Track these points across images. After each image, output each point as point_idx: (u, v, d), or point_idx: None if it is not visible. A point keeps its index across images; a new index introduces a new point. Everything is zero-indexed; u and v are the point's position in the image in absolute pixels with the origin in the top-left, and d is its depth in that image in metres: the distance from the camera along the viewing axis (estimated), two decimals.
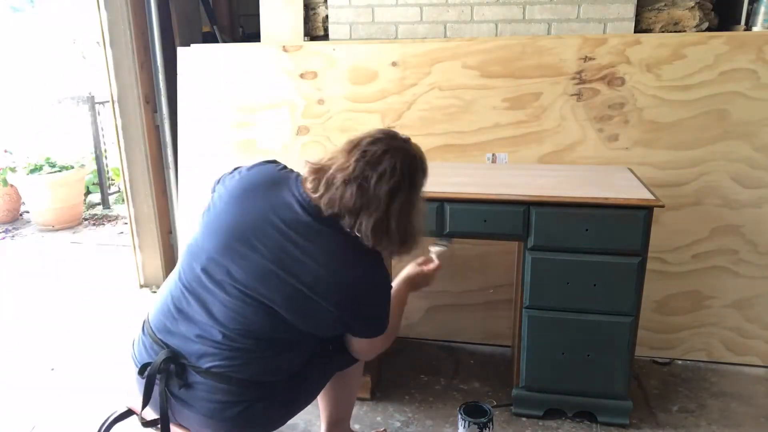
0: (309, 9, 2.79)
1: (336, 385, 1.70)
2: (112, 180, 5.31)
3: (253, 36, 3.14)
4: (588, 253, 1.86)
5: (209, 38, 3.37)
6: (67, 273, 3.60)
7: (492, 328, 2.57)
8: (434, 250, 1.78)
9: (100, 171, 5.08)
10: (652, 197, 1.80)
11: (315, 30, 2.81)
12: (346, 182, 1.29)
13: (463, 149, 2.49)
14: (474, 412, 1.79)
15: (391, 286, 1.48)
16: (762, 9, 2.46)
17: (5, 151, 4.86)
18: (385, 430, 2.05)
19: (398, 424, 2.07)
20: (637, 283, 1.85)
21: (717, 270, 2.37)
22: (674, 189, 2.34)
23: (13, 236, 4.46)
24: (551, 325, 1.95)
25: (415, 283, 1.67)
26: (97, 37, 2.82)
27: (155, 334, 1.41)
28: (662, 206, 1.77)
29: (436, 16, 2.62)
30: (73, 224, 4.65)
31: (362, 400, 2.18)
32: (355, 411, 2.12)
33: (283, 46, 2.61)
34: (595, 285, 1.87)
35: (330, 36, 2.75)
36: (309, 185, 1.36)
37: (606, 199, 1.80)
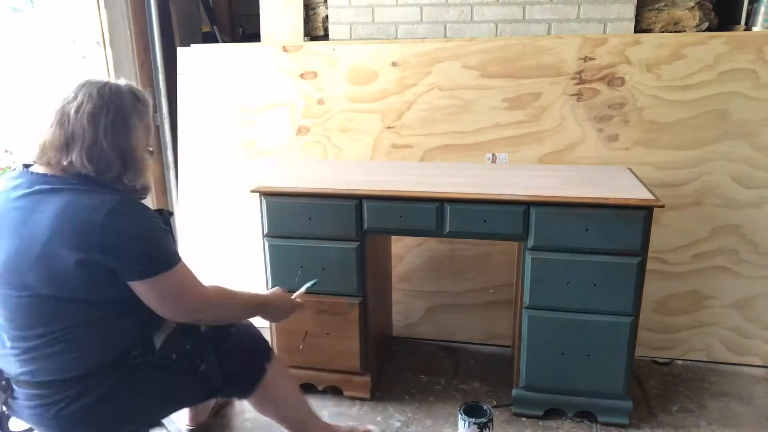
0: (309, 9, 2.79)
1: (262, 398, 1.67)
2: None
3: (253, 36, 3.14)
4: (588, 253, 1.86)
5: (209, 38, 3.37)
6: None
7: (492, 328, 2.57)
8: (300, 291, 1.82)
9: None
10: (652, 197, 1.80)
11: (315, 30, 2.81)
12: (48, 128, 1.32)
13: (463, 149, 2.49)
14: (474, 412, 1.80)
15: (144, 218, 1.38)
16: (762, 9, 2.46)
17: (5, 151, 4.86)
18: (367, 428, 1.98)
19: (398, 424, 2.07)
20: (637, 283, 1.85)
21: (717, 270, 2.37)
22: (674, 189, 2.34)
23: None
24: (551, 325, 1.95)
25: (273, 304, 1.67)
26: (97, 37, 2.82)
27: None
28: (662, 206, 1.77)
29: (436, 16, 2.62)
30: None
31: (362, 400, 2.18)
32: (355, 411, 2.13)
33: (283, 46, 2.61)
34: (595, 285, 1.87)
35: (330, 36, 2.75)
36: (34, 161, 1.38)
37: (606, 199, 1.80)
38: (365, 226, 1.98)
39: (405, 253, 2.59)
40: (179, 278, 1.40)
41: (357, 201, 1.95)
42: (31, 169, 1.39)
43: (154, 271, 1.35)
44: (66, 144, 1.32)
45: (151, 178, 1.50)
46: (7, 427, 1.47)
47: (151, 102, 1.49)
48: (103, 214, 1.30)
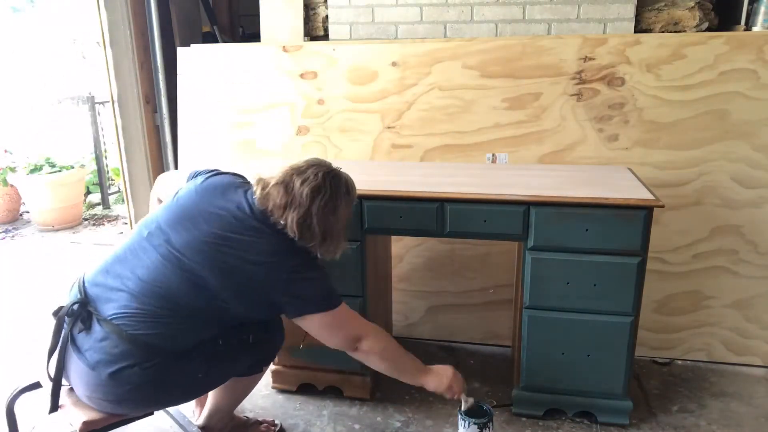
0: (309, 9, 2.79)
1: (229, 381, 1.75)
2: (112, 180, 5.31)
3: (253, 36, 3.14)
4: (588, 253, 1.86)
5: (209, 38, 3.37)
6: (67, 273, 3.60)
7: (492, 328, 2.58)
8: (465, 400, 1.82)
9: (100, 171, 5.08)
10: (652, 197, 1.80)
11: (315, 30, 2.82)
12: (276, 185, 1.56)
13: (463, 149, 2.49)
14: (474, 412, 1.79)
15: (323, 271, 1.63)
16: (762, 9, 2.46)
17: (5, 151, 4.86)
18: (273, 420, 2.07)
19: (398, 424, 2.07)
20: (637, 283, 1.85)
21: (717, 270, 2.37)
22: (674, 189, 2.34)
23: (13, 236, 4.46)
24: (551, 325, 1.95)
25: (438, 381, 1.75)
26: (97, 37, 2.82)
27: (83, 284, 1.55)
28: (662, 206, 1.77)
29: (436, 16, 2.62)
30: (73, 224, 4.66)
31: (362, 400, 2.18)
32: (354, 411, 2.13)
33: (283, 46, 2.61)
34: (595, 285, 1.87)
35: (330, 36, 2.75)
36: (256, 190, 1.59)
37: (606, 199, 1.80)
38: (365, 226, 1.98)
39: (405, 253, 2.59)
40: (340, 315, 1.63)
41: (357, 201, 1.95)
42: (256, 202, 1.58)
43: (324, 307, 1.59)
44: (286, 206, 1.54)
45: (339, 254, 1.68)
46: (62, 360, 1.51)
47: (356, 196, 1.71)
48: (299, 262, 1.58)
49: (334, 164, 1.65)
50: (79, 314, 1.50)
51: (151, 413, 1.68)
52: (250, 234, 1.54)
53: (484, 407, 1.81)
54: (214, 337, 1.59)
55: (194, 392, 1.70)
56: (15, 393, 1.67)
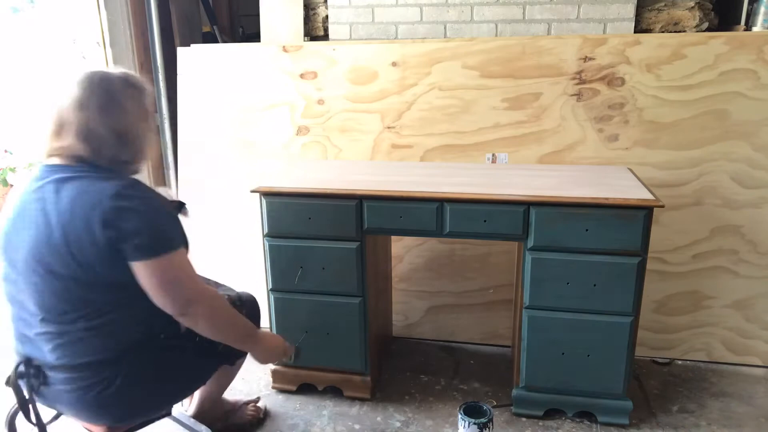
0: (309, 9, 2.79)
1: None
2: None
3: (253, 36, 3.14)
4: (588, 253, 1.86)
5: (209, 38, 3.37)
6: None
7: (492, 328, 2.58)
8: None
9: None
10: (652, 197, 1.80)
11: (315, 30, 2.82)
12: (44, 120, 1.39)
13: (463, 149, 2.49)
14: (474, 412, 1.80)
15: (150, 202, 1.41)
16: (762, 9, 2.46)
17: (5, 151, 4.86)
18: (257, 398, 2.12)
19: (398, 424, 2.07)
20: (637, 283, 1.85)
21: (717, 270, 2.37)
22: (674, 189, 2.34)
23: None
24: (551, 325, 1.95)
25: (267, 339, 1.67)
26: (97, 37, 2.82)
27: (16, 344, 1.48)
28: (662, 206, 1.77)
29: (436, 16, 2.62)
30: None
31: (362, 400, 2.18)
32: (354, 411, 2.13)
33: (283, 46, 2.61)
34: (595, 285, 1.87)
35: (330, 36, 2.75)
36: (46, 155, 1.43)
37: (606, 199, 1.80)
38: (365, 226, 1.98)
39: (405, 253, 2.59)
40: (179, 263, 1.41)
41: (357, 201, 1.95)
42: (44, 162, 1.43)
43: (154, 251, 1.36)
44: (58, 131, 1.38)
45: (149, 155, 1.54)
46: (37, 414, 1.48)
47: (147, 88, 1.51)
48: (110, 194, 1.34)
49: (335, 163, 1.60)
50: (28, 374, 1.43)
51: (167, 413, 1.69)
52: (51, 196, 1.37)
53: (484, 407, 1.81)
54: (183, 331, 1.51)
55: (191, 381, 1.64)
56: (15, 408, 1.59)
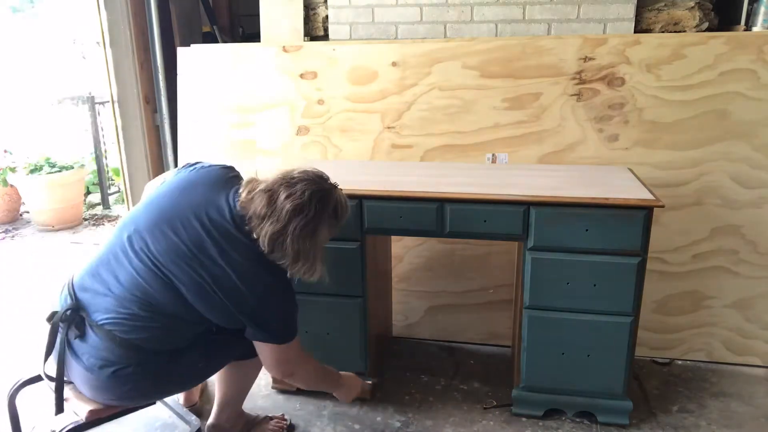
0: (309, 9, 2.79)
1: (231, 368, 1.82)
2: (112, 180, 5.31)
3: (253, 36, 3.14)
4: (588, 253, 1.86)
5: (209, 38, 3.38)
6: (66, 273, 3.60)
7: (492, 328, 2.57)
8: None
9: (100, 171, 5.08)
10: (652, 197, 1.80)
11: (315, 30, 2.82)
12: (262, 192, 1.50)
13: (463, 149, 2.49)
14: None
15: (291, 300, 1.61)
16: (762, 9, 2.46)
17: (5, 151, 4.86)
18: (282, 415, 2.10)
19: (398, 424, 2.07)
20: (637, 283, 1.85)
21: (717, 270, 2.37)
22: (674, 189, 2.34)
23: (13, 236, 4.46)
24: (551, 325, 1.95)
25: (348, 383, 1.90)
26: (97, 37, 2.83)
27: (73, 288, 1.56)
28: (662, 206, 1.77)
29: (436, 16, 2.62)
30: (73, 224, 4.65)
31: (362, 400, 2.18)
32: (354, 411, 2.13)
33: (283, 46, 2.61)
34: (595, 285, 1.87)
35: (330, 36, 2.75)
36: (242, 192, 1.54)
37: (606, 199, 1.80)
38: (365, 226, 1.98)
39: (405, 253, 2.59)
40: (296, 348, 1.64)
41: (357, 201, 1.95)
42: (238, 206, 1.54)
43: (282, 339, 1.59)
44: (264, 217, 1.49)
45: (317, 277, 1.62)
46: (62, 361, 1.53)
47: (347, 215, 1.66)
48: (266, 291, 1.54)
49: (335, 163, 1.63)
50: (72, 320, 1.50)
51: (154, 402, 1.74)
52: (225, 241, 1.51)
53: None
54: (207, 329, 1.64)
55: (195, 380, 1.76)
56: (16, 386, 1.71)
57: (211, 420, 1.92)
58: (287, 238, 1.48)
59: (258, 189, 1.51)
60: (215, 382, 1.91)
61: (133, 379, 1.50)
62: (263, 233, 1.48)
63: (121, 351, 1.47)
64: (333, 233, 1.63)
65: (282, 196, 1.49)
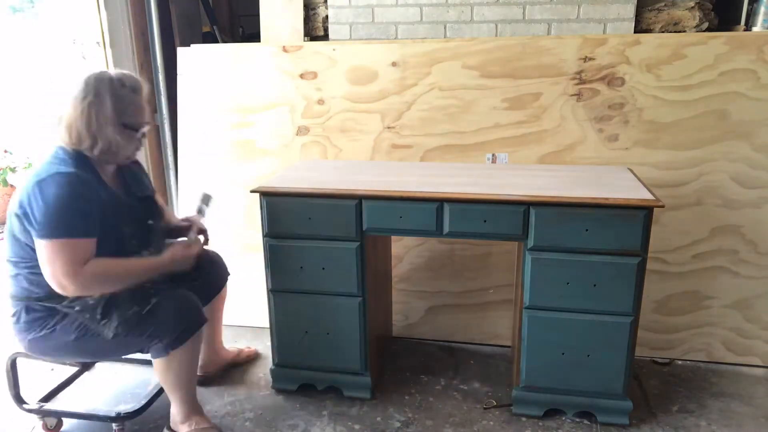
0: (309, 9, 2.79)
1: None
2: None
3: (253, 36, 3.14)
4: (588, 253, 1.86)
5: (209, 38, 3.38)
6: None
7: (492, 328, 2.57)
8: (196, 215, 2.09)
9: None
10: (652, 197, 1.80)
11: (315, 30, 2.82)
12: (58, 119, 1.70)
13: (463, 149, 2.49)
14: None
15: (66, 194, 1.62)
16: (762, 9, 2.46)
17: (5, 151, 4.86)
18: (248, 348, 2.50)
19: (398, 424, 2.07)
20: (637, 283, 1.85)
21: (717, 270, 2.37)
22: (674, 189, 2.34)
23: None
24: (551, 325, 1.95)
25: (174, 260, 1.83)
26: (97, 37, 2.83)
27: None
28: (662, 206, 1.77)
29: (436, 17, 2.62)
30: None
31: (362, 400, 2.18)
32: (354, 411, 2.13)
33: (283, 46, 2.61)
34: (595, 285, 1.87)
35: (330, 36, 2.75)
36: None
37: (606, 199, 1.80)
38: (365, 226, 1.98)
39: (405, 253, 2.59)
40: (50, 250, 1.60)
41: (357, 201, 1.95)
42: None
43: (42, 234, 1.60)
44: (57, 122, 1.67)
45: (129, 155, 1.78)
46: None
47: (141, 86, 1.74)
48: (34, 181, 1.63)
49: (335, 163, 1.67)
50: None
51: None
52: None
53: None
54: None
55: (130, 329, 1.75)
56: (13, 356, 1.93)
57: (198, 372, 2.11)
58: (78, 122, 1.64)
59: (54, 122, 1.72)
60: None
61: (49, 335, 1.77)
62: (61, 134, 1.67)
63: (12, 303, 1.80)
64: (128, 103, 1.70)
65: (66, 97, 1.67)
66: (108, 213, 1.70)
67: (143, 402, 1.97)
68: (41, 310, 1.73)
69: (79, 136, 1.65)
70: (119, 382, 2.33)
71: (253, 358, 2.48)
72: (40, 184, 1.61)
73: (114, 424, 1.93)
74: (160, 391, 1.98)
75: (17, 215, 1.65)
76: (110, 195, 1.74)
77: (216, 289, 2.19)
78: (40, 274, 1.64)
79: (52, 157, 1.68)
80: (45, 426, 2.02)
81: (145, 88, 1.77)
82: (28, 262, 1.70)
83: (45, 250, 1.60)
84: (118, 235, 1.74)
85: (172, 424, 1.94)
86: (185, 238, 1.97)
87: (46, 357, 1.87)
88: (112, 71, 1.72)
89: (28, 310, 1.74)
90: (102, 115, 1.65)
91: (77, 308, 1.71)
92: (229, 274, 2.25)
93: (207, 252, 2.11)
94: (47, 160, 1.67)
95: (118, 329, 1.71)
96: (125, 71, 1.74)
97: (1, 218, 4.72)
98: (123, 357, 2.17)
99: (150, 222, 1.89)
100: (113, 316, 1.71)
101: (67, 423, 2.08)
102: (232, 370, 2.40)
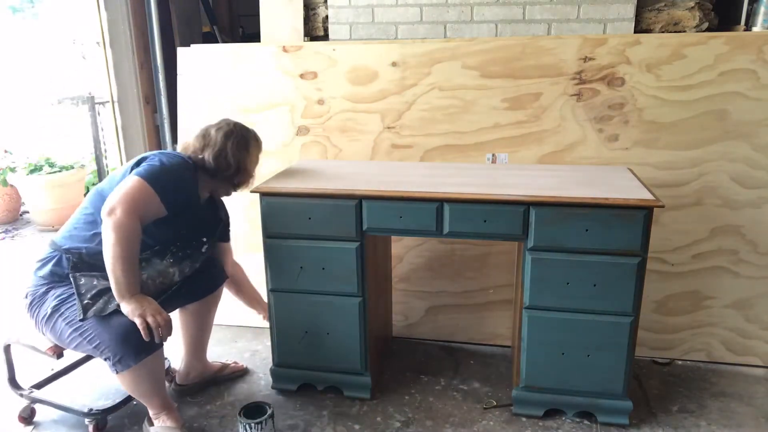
0: (309, 9, 2.79)
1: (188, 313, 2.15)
2: None
3: (253, 36, 3.14)
4: (588, 253, 1.86)
5: (209, 38, 3.38)
6: None
7: (492, 328, 2.58)
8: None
9: (100, 171, 5.06)
10: (652, 197, 1.80)
11: (315, 30, 2.82)
12: (194, 137, 2.00)
13: (463, 149, 2.49)
14: (254, 413, 1.91)
15: (179, 169, 1.88)
16: (762, 9, 2.46)
17: (5, 151, 4.86)
18: (235, 362, 2.42)
19: (398, 424, 2.07)
20: (637, 283, 1.85)
21: (717, 270, 2.37)
22: (674, 189, 2.34)
23: (13, 236, 4.46)
24: (551, 325, 1.95)
25: (140, 306, 1.72)
26: (97, 37, 2.83)
27: None
28: (662, 206, 1.77)
29: (436, 17, 2.62)
30: None
31: (362, 400, 2.18)
32: (354, 411, 2.13)
33: (283, 46, 2.61)
34: (595, 285, 1.87)
35: (330, 36, 2.75)
36: (177, 147, 2.10)
37: (606, 199, 1.80)
38: (365, 226, 1.98)
39: (405, 253, 2.59)
40: (136, 185, 1.75)
41: (357, 201, 1.95)
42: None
43: (140, 173, 1.79)
44: (203, 148, 1.95)
45: (240, 189, 2.07)
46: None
47: (261, 146, 2.10)
48: (162, 150, 2.05)
49: (335, 163, 1.70)
50: None
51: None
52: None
53: (265, 406, 1.93)
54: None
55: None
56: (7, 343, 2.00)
57: (178, 379, 2.24)
58: (228, 154, 1.93)
59: (188, 140, 2.01)
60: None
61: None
62: (206, 156, 1.93)
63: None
64: (257, 155, 2.06)
65: (212, 131, 1.97)
66: (187, 212, 1.91)
67: (118, 400, 2.03)
68: (61, 267, 1.84)
69: (227, 164, 1.95)
70: (111, 377, 2.30)
71: (239, 374, 2.37)
72: (165, 153, 1.92)
73: (86, 420, 1.97)
74: None
75: (132, 166, 1.85)
76: (196, 202, 1.96)
77: (207, 289, 2.14)
78: (98, 233, 1.77)
79: (176, 152, 1.98)
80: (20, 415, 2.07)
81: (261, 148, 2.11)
82: (96, 215, 1.82)
83: (132, 182, 1.75)
84: (177, 231, 1.92)
85: (150, 417, 1.97)
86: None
87: (37, 326, 1.88)
88: (249, 127, 2.05)
89: (57, 263, 1.85)
90: (245, 155, 1.99)
91: (81, 281, 1.79)
92: (226, 278, 2.20)
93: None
94: (173, 151, 1.98)
95: (93, 314, 1.74)
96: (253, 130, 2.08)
97: (2, 218, 4.73)
98: None
99: (204, 240, 2.00)
100: (98, 302, 1.76)
101: (49, 414, 2.11)
102: (212, 386, 2.28)
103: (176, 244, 1.93)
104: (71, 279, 1.79)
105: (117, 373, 1.76)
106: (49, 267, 1.86)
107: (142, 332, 1.69)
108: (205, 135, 1.98)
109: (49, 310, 1.80)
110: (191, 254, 1.96)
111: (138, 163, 1.86)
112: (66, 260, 1.84)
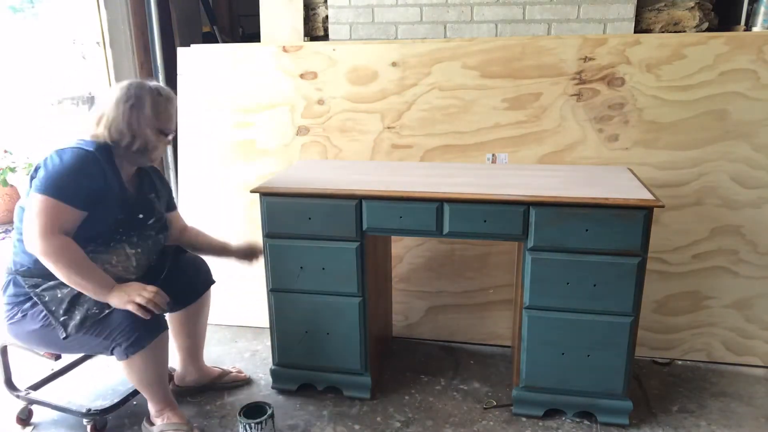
0: (309, 9, 2.79)
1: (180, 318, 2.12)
2: None
3: (253, 36, 3.14)
4: (588, 253, 1.86)
5: (209, 38, 3.38)
6: None
7: (492, 328, 2.58)
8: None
9: None
10: (652, 197, 1.80)
11: (315, 30, 2.82)
12: (91, 110, 1.91)
13: (463, 149, 2.49)
14: (255, 413, 1.90)
15: (76, 165, 1.72)
16: (762, 9, 2.46)
17: (5, 151, 4.86)
18: (239, 369, 2.36)
19: (398, 424, 2.07)
20: (637, 283, 1.85)
21: (717, 270, 2.37)
22: (674, 189, 2.34)
23: None
24: (551, 325, 1.95)
25: (121, 296, 1.72)
26: (97, 37, 2.83)
27: None
28: (662, 206, 1.77)
29: (436, 17, 2.62)
30: None
31: (362, 400, 2.18)
32: (354, 411, 2.13)
33: (283, 46, 2.61)
34: (595, 285, 1.87)
35: (330, 36, 2.75)
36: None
37: (606, 199, 1.80)
38: (365, 226, 1.98)
39: (405, 253, 2.59)
40: (40, 205, 1.66)
41: (357, 201, 1.95)
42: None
43: (39, 188, 1.68)
44: (98, 121, 1.79)
45: (157, 156, 1.91)
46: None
47: (174, 97, 1.90)
48: (55, 149, 1.75)
49: (335, 163, 1.68)
50: None
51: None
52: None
53: (265, 406, 1.92)
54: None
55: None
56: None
57: (176, 379, 2.23)
58: (120, 121, 1.76)
59: (91, 120, 1.83)
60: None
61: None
62: (101, 130, 1.77)
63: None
64: (161, 111, 1.83)
65: (106, 99, 1.80)
66: (110, 200, 1.79)
67: (116, 400, 2.02)
68: (21, 287, 1.80)
69: (120, 133, 1.77)
70: (109, 377, 2.34)
71: (241, 383, 2.29)
72: (59, 151, 1.74)
73: (84, 420, 1.96)
74: (136, 390, 1.98)
75: (31, 177, 1.75)
76: (121, 187, 1.83)
77: (194, 294, 2.10)
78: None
79: (77, 140, 1.80)
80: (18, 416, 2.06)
81: (176, 100, 1.92)
82: None
83: (35, 203, 1.67)
84: (110, 219, 1.81)
85: (151, 418, 1.96)
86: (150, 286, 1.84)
87: (23, 343, 1.88)
88: (150, 82, 1.86)
89: (15, 283, 1.81)
90: (142, 117, 1.79)
91: (46, 298, 1.77)
92: (213, 282, 2.17)
93: (190, 255, 2.13)
94: (71, 142, 1.79)
95: (74, 329, 1.74)
96: (160, 83, 1.91)
97: (1, 218, 4.73)
98: None
99: (140, 216, 1.90)
100: (74, 314, 1.74)
101: (48, 415, 2.11)
102: (213, 391, 2.25)
103: (118, 231, 1.83)
104: (36, 299, 1.77)
105: (127, 357, 1.75)
106: (11, 289, 1.83)
107: (140, 314, 1.70)
108: (97, 108, 1.83)
109: (37, 331, 1.79)
110: (141, 233, 1.89)
111: (36, 170, 1.74)
112: (22, 280, 1.80)
